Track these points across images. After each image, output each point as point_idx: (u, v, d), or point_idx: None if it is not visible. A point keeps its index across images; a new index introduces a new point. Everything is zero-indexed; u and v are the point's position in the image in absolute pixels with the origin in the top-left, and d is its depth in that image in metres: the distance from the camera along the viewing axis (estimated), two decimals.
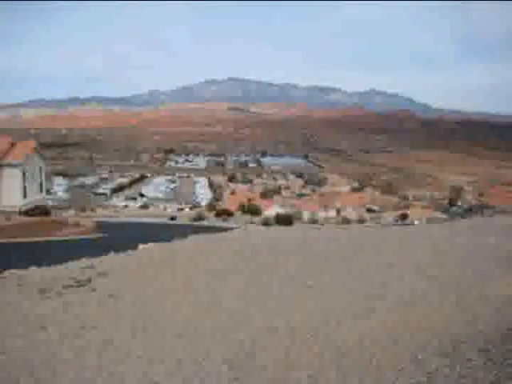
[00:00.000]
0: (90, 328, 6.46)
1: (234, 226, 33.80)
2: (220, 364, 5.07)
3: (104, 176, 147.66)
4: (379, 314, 6.55)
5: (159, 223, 42.13)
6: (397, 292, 7.77)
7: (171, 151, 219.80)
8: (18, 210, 37.06)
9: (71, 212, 50.15)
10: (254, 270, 9.93)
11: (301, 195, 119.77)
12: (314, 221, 55.39)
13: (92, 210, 59.19)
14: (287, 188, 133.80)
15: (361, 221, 61.31)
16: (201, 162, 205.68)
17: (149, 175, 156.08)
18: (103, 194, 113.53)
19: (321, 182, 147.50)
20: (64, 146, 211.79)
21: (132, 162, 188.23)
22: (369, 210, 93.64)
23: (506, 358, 4.38)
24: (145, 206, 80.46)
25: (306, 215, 67.31)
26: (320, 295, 7.85)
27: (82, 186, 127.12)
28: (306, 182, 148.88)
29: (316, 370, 4.76)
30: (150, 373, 4.93)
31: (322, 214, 76.30)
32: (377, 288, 8.11)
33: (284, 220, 42.41)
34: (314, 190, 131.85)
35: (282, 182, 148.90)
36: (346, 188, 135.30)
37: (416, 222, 63.09)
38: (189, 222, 42.97)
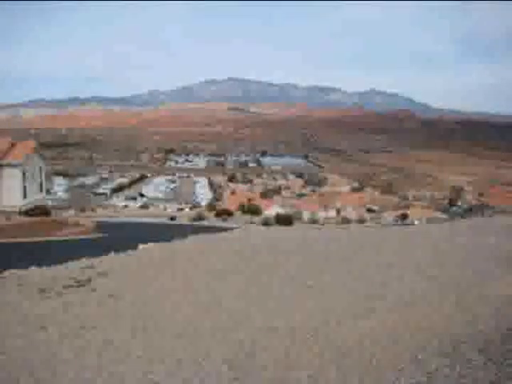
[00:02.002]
0: (90, 328, 6.46)
1: (234, 225, 33.78)
2: (220, 364, 5.07)
3: (104, 176, 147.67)
4: (379, 314, 6.55)
5: (159, 223, 42.10)
6: (397, 292, 7.76)
7: (171, 151, 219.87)
8: (18, 210, 37.07)
9: (71, 212, 50.14)
10: (253, 270, 9.93)
11: (301, 195, 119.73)
12: (314, 221, 55.36)
13: (92, 209, 59.16)
14: (287, 188, 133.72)
15: (361, 221, 61.27)
16: (201, 162, 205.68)
17: (149, 175, 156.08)
18: (103, 193, 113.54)
19: (321, 182, 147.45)
20: (64, 145, 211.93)
21: (132, 162, 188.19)
22: (369, 210, 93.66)
23: (506, 358, 4.38)
24: (145, 206, 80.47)
25: (306, 215, 67.28)
26: (320, 295, 7.85)
27: (82, 186, 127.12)
28: (306, 182, 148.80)
29: (316, 370, 4.76)
30: (150, 373, 4.92)
31: (322, 214, 76.34)
32: (377, 288, 8.11)
33: (284, 220, 42.40)
34: (313, 190, 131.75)
35: (282, 181, 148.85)
36: (345, 188, 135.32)
37: (416, 222, 63.09)
38: (189, 222, 42.93)
